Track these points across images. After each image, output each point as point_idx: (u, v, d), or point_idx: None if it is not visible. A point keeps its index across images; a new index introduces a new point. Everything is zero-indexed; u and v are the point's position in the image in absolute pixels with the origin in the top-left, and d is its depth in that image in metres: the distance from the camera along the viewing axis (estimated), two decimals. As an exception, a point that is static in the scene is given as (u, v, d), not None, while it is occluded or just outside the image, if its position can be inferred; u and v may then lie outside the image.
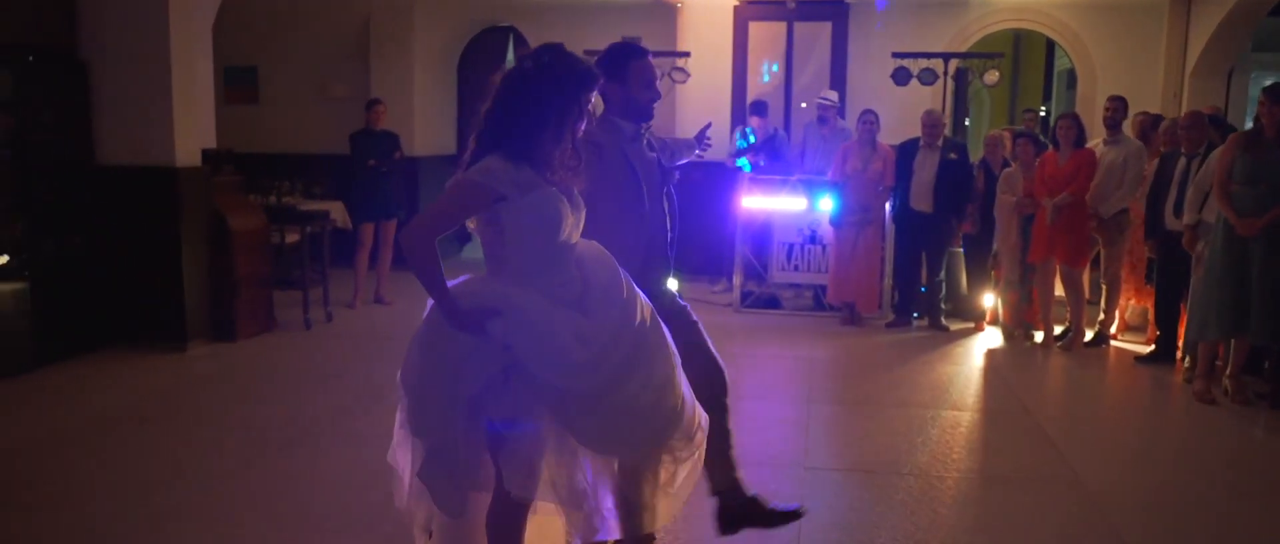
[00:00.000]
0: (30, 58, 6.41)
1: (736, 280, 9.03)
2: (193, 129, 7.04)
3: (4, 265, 6.30)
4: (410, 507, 2.94)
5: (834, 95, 9.45)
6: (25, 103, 6.42)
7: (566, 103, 2.78)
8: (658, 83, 3.56)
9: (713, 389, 3.54)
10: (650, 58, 3.55)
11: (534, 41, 11.13)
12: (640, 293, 2.95)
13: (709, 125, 4.17)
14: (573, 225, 2.83)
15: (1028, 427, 5.75)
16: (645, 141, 3.56)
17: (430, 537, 2.96)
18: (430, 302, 2.81)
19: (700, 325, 3.64)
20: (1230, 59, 9.60)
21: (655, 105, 3.53)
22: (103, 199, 6.85)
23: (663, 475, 3.03)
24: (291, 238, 8.00)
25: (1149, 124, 8.12)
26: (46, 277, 6.52)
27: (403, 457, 2.94)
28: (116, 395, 5.98)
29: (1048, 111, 15.30)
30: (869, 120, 8.27)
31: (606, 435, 2.83)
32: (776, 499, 3.85)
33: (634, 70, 3.44)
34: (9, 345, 6.24)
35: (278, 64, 11.22)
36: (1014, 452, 5.36)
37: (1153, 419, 6.17)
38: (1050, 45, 13.21)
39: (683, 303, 3.63)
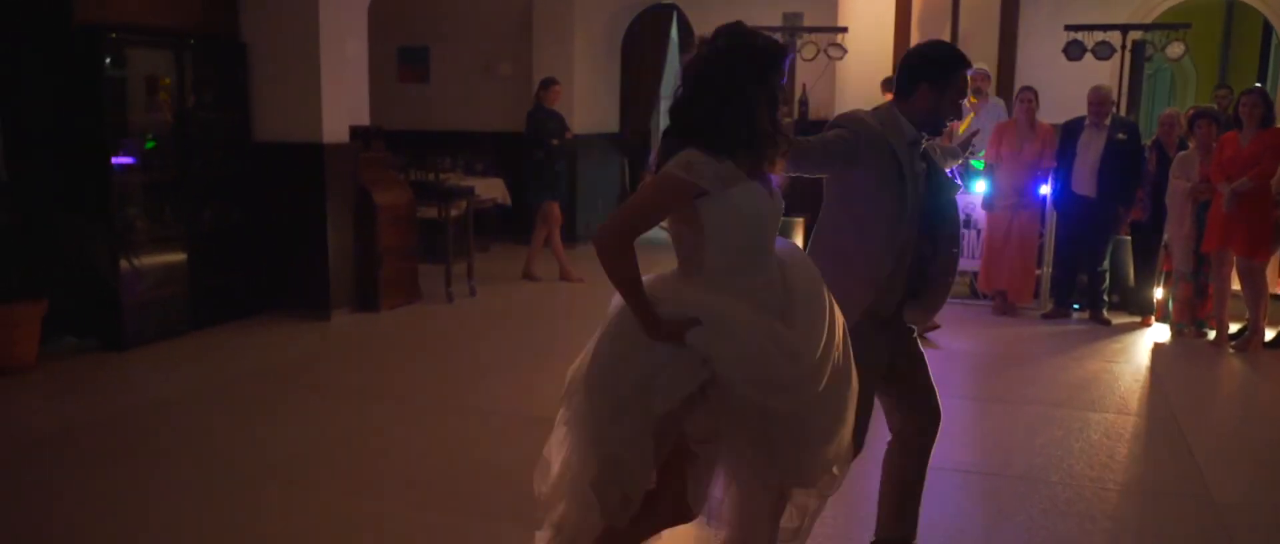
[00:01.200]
0: (192, 41, 6.84)
1: (886, 265, 8.67)
2: (341, 107, 7.37)
3: (168, 235, 6.78)
4: (552, 502, 2.78)
5: (986, 66, 8.90)
6: (190, 84, 6.87)
7: (756, 85, 2.53)
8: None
9: (923, 438, 3.41)
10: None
11: (696, 19, 11.16)
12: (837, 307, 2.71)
13: (976, 132, 3.83)
14: (774, 223, 2.64)
15: (1169, 433, 5.27)
16: (922, 153, 3.19)
17: (560, 532, 2.76)
18: (617, 298, 2.61)
19: (926, 364, 3.40)
20: None
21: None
22: (257, 174, 7.28)
23: (792, 511, 2.79)
24: (440, 214, 8.23)
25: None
26: (204, 246, 6.99)
27: (559, 454, 2.76)
28: (260, 359, 6.36)
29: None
30: (1027, 98, 7.76)
31: (776, 459, 2.61)
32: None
33: (958, 80, 3.13)
34: (168, 309, 6.73)
35: (447, 44, 11.59)
36: (1144, 460, 4.93)
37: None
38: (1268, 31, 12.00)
39: (912, 329, 3.35)
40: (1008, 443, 5.06)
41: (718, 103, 2.51)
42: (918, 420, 3.40)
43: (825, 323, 2.60)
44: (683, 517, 2.75)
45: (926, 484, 3.47)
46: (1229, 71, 13.52)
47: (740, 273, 2.57)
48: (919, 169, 3.15)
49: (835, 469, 2.69)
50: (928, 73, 3.12)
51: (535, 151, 8.86)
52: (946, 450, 5.00)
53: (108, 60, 6.27)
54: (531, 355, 6.53)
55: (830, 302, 2.67)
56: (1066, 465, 4.70)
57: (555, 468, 2.79)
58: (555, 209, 9.01)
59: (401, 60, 11.67)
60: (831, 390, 2.61)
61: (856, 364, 2.77)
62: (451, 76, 11.61)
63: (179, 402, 5.50)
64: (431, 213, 8.08)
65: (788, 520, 2.79)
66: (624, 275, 2.49)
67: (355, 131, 7.55)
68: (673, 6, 11.66)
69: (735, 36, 2.55)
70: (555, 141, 8.87)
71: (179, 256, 6.85)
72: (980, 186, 7.95)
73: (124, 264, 6.39)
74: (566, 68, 10.83)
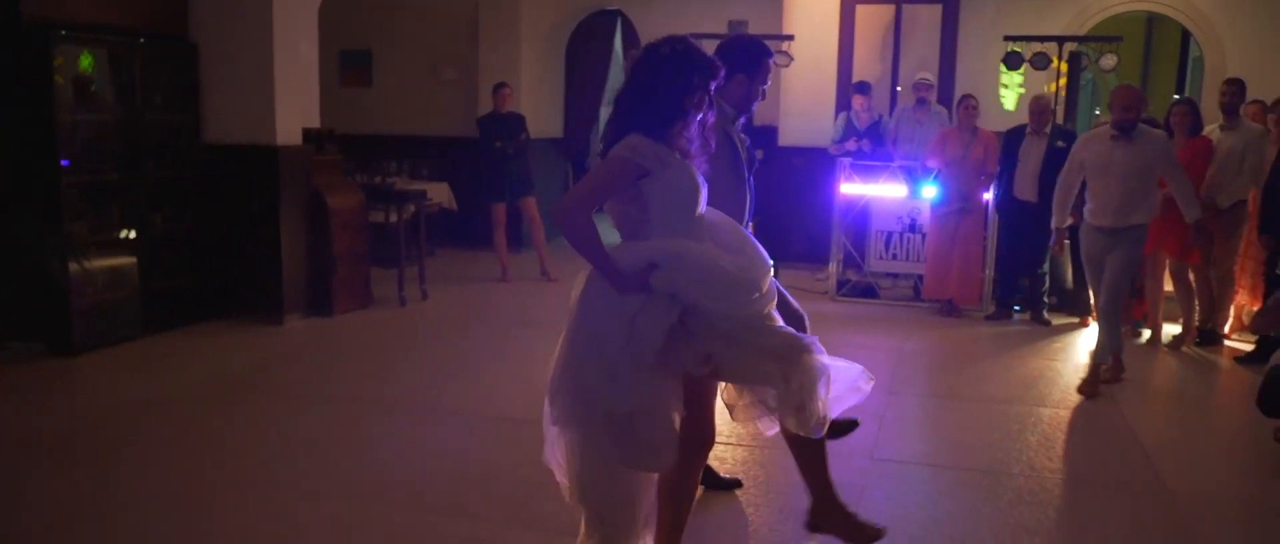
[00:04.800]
0: (141, 40, 6.72)
1: (832, 268, 8.86)
2: (294, 109, 7.30)
3: (117, 239, 6.65)
4: (580, 501, 3.02)
5: (931, 76, 9.16)
6: (138, 83, 6.73)
7: (694, 89, 2.95)
8: None
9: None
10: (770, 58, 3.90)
11: (641, 24, 11.25)
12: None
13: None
14: (702, 197, 3.00)
15: (1117, 427, 5.49)
16: (739, 128, 3.92)
17: (603, 523, 3.00)
18: (579, 286, 2.96)
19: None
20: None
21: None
22: (209, 176, 7.16)
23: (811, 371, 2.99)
24: (390, 217, 8.22)
25: (1260, 113, 7.61)
26: (155, 250, 6.86)
27: (559, 454, 3.03)
28: (213, 364, 6.26)
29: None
30: (970, 105, 8.00)
31: (764, 352, 2.95)
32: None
33: (764, 67, 3.81)
34: (118, 313, 6.59)
35: (390, 47, 11.52)
36: (1099, 453, 5.13)
37: (1255, 425, 5.78)
38: (1186, 33, 12.49)
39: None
40: (968, 438, 5.22)
41: (654, 96, 2.92)
42: None
43: (755, 250, 3.05)
44: (708, 442, 3.29)
45: (899, 478, 3.61)
46: (1150, 83, 14.06)
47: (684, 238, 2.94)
48: (744, 140, 3.91)
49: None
50: (739, 62, 3.71)
51: (485, 155, 8.96)
52: (912, 445, 5.18)
53: (58, 59, 6.14)
54: (491, 357, 6.55)
55: (753, 241, 3.11)
56: (1026, 459, 4.88)
57: (561, 471, 3.04)
58: (500, 211, 9.07)
59: (344, 64, 11.56)
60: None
61: None
62: (395, 81, 11.55)
63: (134, 407, 5.38)
64: (380, 217, 8.04)
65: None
66: (587, 240, 2.84)
67: (307, 134, 7.47)
68: (617, 12, 11.74)
69: (680, 46, 2.97)
70: (499, 144, 8.92)
71: (129, 260, 6.71)
72: (929, 192, 8.16)
73: (74, 266, 6.25)
74: (513, 72, 10.85)
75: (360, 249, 7.78)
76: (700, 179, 2.99)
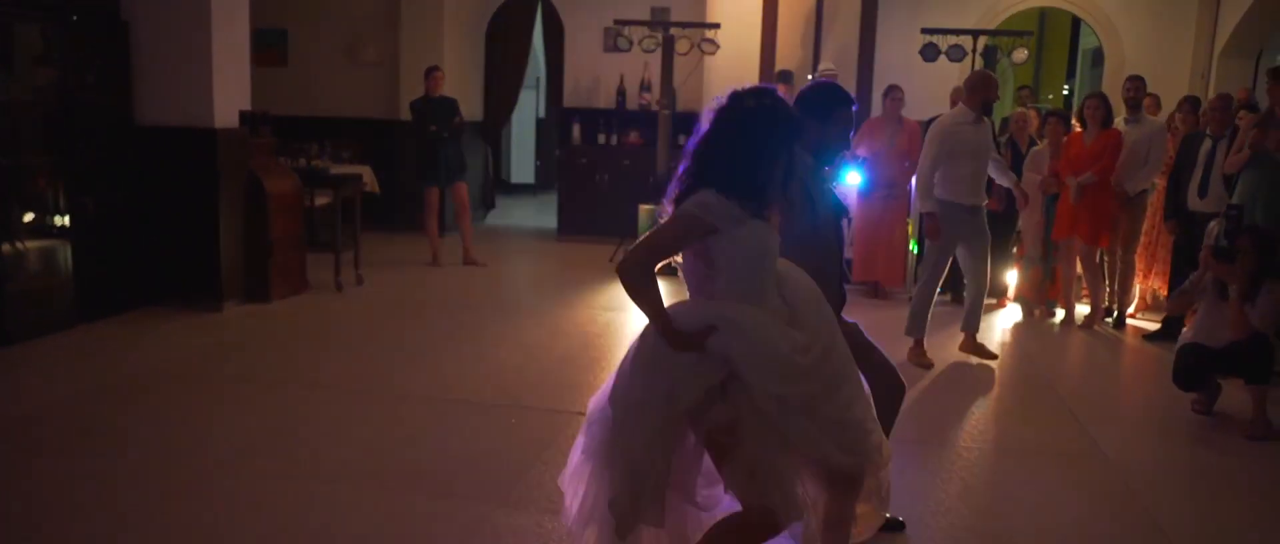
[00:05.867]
0: (73, 16, 6.50)
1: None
2: (230, 91, 7.16)
3: (48, 224, 6.43)
4: (577, 533, 2.97)
5: (834, 69, 9.47)
6: (68, 61, 6.52)
7: (780, 146, 2.83)
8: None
9: (892, 403, 3.77)
10: (854, 107, 3.69)
11: (565, 10, 11.29)
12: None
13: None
14: (775, 257, 2.89)
15: (1049, 400, 5.86)
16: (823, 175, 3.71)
17: None
18: (642, 330, 2.87)
19: (876, 345, 3.77)
20: (1262, 40, 9.57)
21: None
22: (142, 159, 6.98)
23: (868, 485, 2.99)
24: (323, 200, 8.15)
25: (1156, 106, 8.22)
26: (87, 235, 6.65)
27: (577, 486, 2.96)
28: (159, 352, 6.13)
29: (1071, 91, 15.27)
30: (896, 96, 8.32)
31: (824, 440, 2.80)
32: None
33: (839, 116, 3.60)
34: (52, 303, 6.39)
35: (307, 27, 11.30)
36: (1039, 424, 5.46)
37: (1174, 398, 6.21)
38: (1076, 24, 13.17)
39: (852, 322, 3.73)
40: (917, 413, 5.49)
41: (735, 152, 2.79)
42: (881, 392, 3.74)
43: (827, 321, 2.91)
44: (772, 527, 2.78)
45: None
46: (1042, 75, 14.76)
47: (747, 299, 2.81)
48: (828, 189, 3.68)
49: (874, 441, 2.89)
50: (812, 110, 3.54)
51: (419, 139, 8.95)
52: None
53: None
54: (444, 340, 6.60)
55: (826, 303, 2.96)
56: (977, 431, 5.20)
57: (575, 502, 2.97)
58: (433, 195, 9.07)
59: (258, 43, 11.20)
60: (850, 378, 2.90)
61: None
62: (311, 61, 11.33)
63: (85, 396, 5.25)
64: (323, 200, 7.95)
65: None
66: (647, 297, 2.76)
67: (243, 116, 7.33)
68: (539, -3, 11.75)
69: (767, 99, 2.85)
70: (433, 128, 8.92)
71: (61, 244, 6.50)
72: (854, 177, 8.46)
73: (7, 247, 6.02)
74: (437, 55, 10.77)
75: (296, 233, 7.68)
76: (773, 238, 2.86)
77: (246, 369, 5.90)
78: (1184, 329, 6.07)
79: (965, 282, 6.71)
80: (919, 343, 6.51)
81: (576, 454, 2.99)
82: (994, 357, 6.60)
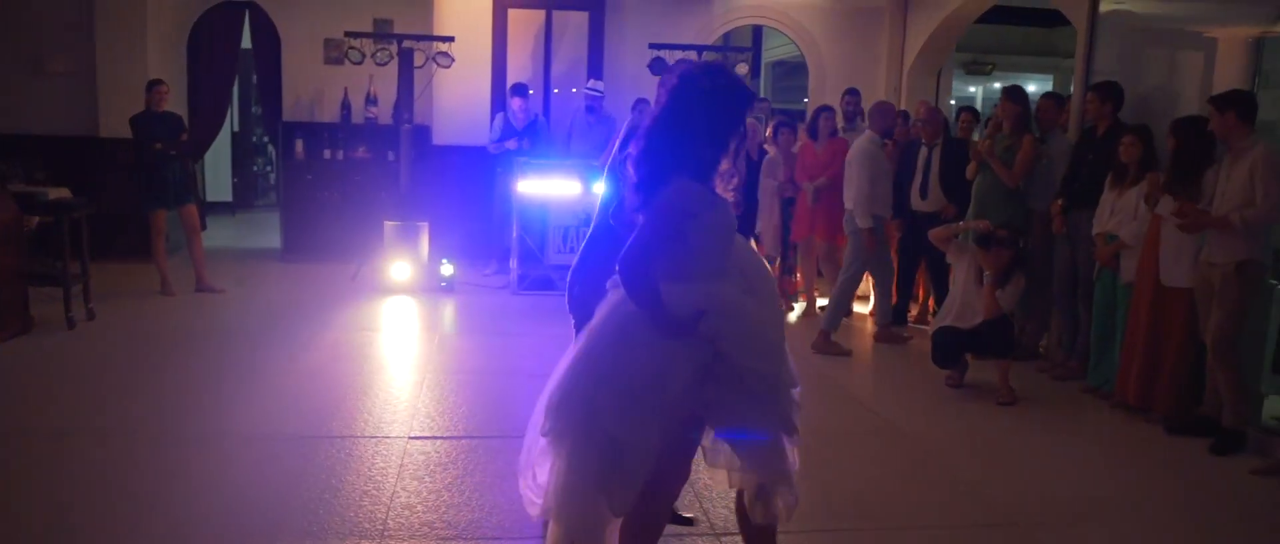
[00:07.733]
0: None
1: (513, 264, 9.18)
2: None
3: None
4: (554, 517, 2.96)
5: (601, 86, 9.80)
6: None
7: (736, 125, 2.90)
8: None
9: None
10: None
11: (279, 18, 10.75)
12: None
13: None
14: (735, 229, 2.97)
15: (829, 387, 6.42)
16: None
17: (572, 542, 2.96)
18: (608, 306, 2.91)
19: None
20: (942, 60, 10.92)
21: None
22: None
23: (793, 457, 3.06)
24: (30, 225, 7.29)
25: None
26: None
27: (541, 467, 2.98)
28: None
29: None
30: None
31: (791, 412, 3.00)
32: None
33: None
34: None
35: (-19, 35, 10.01)
36: (822, 409, 5.91)
37: (934, 375, 6.81)
38: (756, 36, 14.19)
39: None
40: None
41: (699, 136, 2.84)
42: None
43: (770, 286, 3.11)
44: (685, 479, 3.24)
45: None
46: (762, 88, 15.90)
47: (719, 275, 2.93)
48: None
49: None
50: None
51: (143, 158, 8.22)
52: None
53: None
54: (223, 375, 6.15)
55: (766, 269, 3.18)
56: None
57: (542, 478, 2.99)
58: (160, 218, 8.39)
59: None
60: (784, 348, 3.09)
61: None
62: (-12, 72, 10.04)
63: None
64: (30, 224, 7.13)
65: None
66: (646, 295, 2.83)
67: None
68: (246, 5, 11.08)
69: (721, 78, 2.89)
70: (158, 146, 8.25)
71: None
72: (601, 187, 8.72)
73: None
74: (135, 65, 9.90)
75: (17, 266, 6.84)
76: (733, 214, 2.96)
77: (6, 421, 5.20)
78: (932, 317, 6.86)
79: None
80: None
81: (536, 439, 2.97)
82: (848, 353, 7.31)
